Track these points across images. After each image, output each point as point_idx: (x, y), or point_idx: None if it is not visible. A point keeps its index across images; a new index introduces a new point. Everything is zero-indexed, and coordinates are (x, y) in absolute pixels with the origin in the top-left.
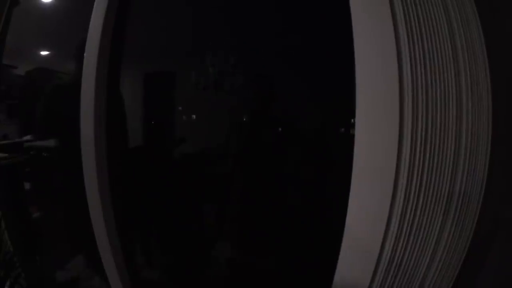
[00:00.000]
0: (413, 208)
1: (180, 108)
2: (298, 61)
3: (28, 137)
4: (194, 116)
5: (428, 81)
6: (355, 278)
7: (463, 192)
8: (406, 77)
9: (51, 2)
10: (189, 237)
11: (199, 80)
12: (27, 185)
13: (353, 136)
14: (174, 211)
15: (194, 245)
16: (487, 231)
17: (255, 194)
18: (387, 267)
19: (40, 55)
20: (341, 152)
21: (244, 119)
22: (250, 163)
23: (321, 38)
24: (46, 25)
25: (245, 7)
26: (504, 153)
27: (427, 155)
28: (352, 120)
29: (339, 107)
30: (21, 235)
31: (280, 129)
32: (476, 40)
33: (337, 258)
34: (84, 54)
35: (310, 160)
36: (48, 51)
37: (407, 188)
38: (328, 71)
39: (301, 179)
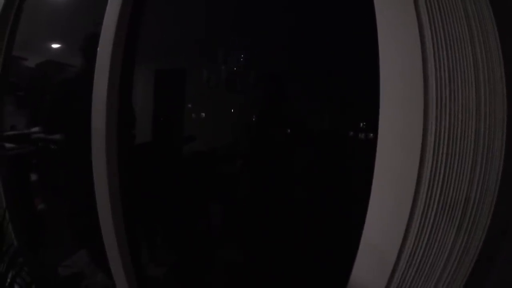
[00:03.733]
0: (433, 213)
1: (190, 105)
2: (315, 59)
3: (36, 129)
4: (204, 114)
5: (451, 85)
6: (370, 283)
7: (478, 197)
8: (431, 82)
9: None
10: (197, 235)
11: (210, 77)
12: (34, 177)
13: (374, 141)
14: (182, 209)
15: (203, 244)
16: (495, 240)
17: (269, 195)
18: (404, 273)
19: (52, 47)
20: (362, 154)
21: (259, 118)
22: (265, 164)
23: (342, 36)
24: (57, 17)
25: (259, 4)
26: None
27: (449, 159)
28: (371, 126)
29: (360, 108)
30: (26, 228)
31: (297, 130)
32: (492, 38)
33: (353, 263)
34: (98, 48)
35: (329, 162)
36: (59, 44)
37: (428, 194)
38: (348, 70)
39: (319, 180)
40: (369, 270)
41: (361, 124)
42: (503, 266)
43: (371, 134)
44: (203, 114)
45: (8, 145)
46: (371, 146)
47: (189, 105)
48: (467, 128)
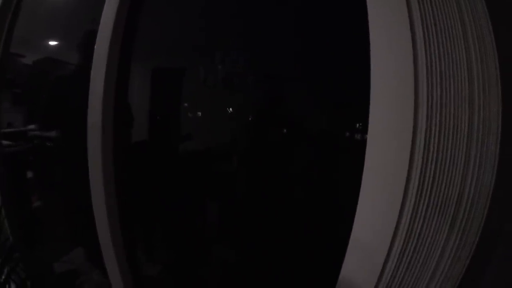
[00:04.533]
0: (423, 212)
1: (187, 104)
2: (310, 60)
3: (32, 126)
4: (201, 113)
5: (442, 83)
6: (360, 281)
7: (473, 193)
8: (421, 78)
9: None
10: (192, 234)
11: (207, 77)
12: (30, 174)
13: (364, 137)
14: (178, 207)
15: (198, 242)
16: (491, 236)
17: (260, 193)
18: (394, 271)
19: (49, 44)
20: (351, 153)
21: (253, 118)
22: (257, 162)
23: (335, 37)
24: (55, 14)
25: (257, 5)
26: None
27: (440, 158)
28: (361, 123)
29: (351, 108)
30: (21, 224)
31: (289, 129)
32: (487, 39)
33: (342, 261)
34: (95, 46)
35: (320, 161)
36: (57, 41)
37: (418, 191)
38: (341, 72)
39: (310, 180)
40: (359, 268)
41: (351, 122)
42: (499, 265)
43: (361, 131)
44: (200, 113)
45: (4, 142)
46: (361, 143)
47: (186, 104)
48: (459, 122)
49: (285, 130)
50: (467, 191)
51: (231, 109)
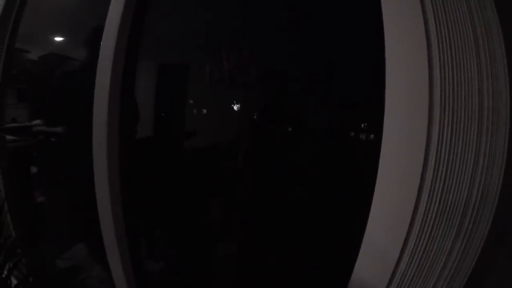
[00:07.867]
0: (434, 214)
1: (192, 100)
2: (318, 57)
3: (37, 121)
4: (206, 109)
5: (455, 82)
6: (371, 282)
7: (479, 197)
8: (435, 78)
9: None
10: (196, 231)
11: (213, 73)
12: (34, 169)
13: (378, 137)
14: (182, 204)
15: (201, 240)
16: (496, 241)
17: (272, 192)
18: (404, 273)
19: (55, 40)
20: (365, 153)
21: (261, 114)
22: (269, 160)
23: (347, 33)
24: (61, 10)
25: (265, 1)
26: None
27: (451, 160)
28: (376, 125)
29: (366, 110)
30: (24, 220)
31: (302, 128)
32: (496, 41)
33: (354, 262)
34: (101, 42)
35: (334, 163)
36: (63, 37)
37: (430, 195)
38: (352, 69)
39: (325, 181)
40: (371, 268)
41: (366, 125)
42: (503, 267)
43: (376, 134)
44: (205, 109)
45: (8, 137)
46: (375, 146)
47: (191, 100)
48: (469, 130)
49: (296, 129)
50: (474, 198)
51: (238, 105)
